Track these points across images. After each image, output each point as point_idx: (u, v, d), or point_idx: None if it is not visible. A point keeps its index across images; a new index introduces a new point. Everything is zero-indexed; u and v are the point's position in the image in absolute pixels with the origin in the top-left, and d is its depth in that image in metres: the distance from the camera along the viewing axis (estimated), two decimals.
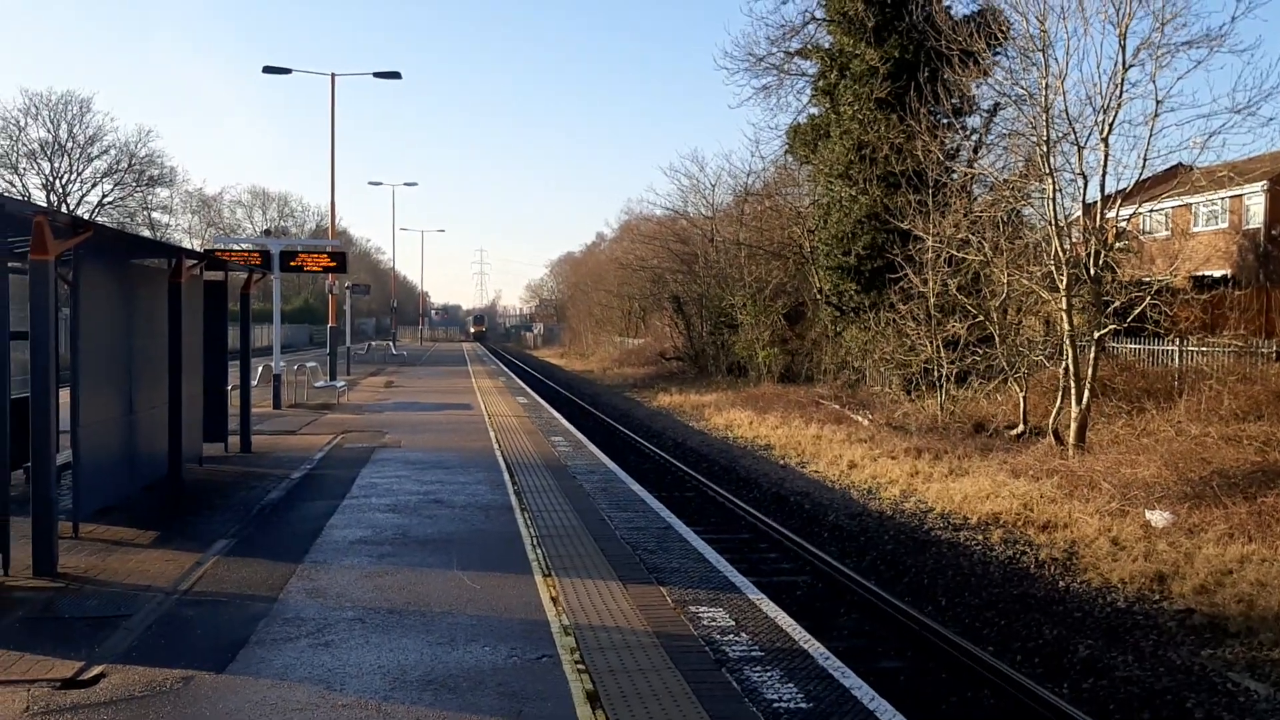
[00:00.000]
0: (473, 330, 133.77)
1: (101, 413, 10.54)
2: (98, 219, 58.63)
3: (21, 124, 66.80)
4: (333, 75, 34.47)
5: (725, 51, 74.87)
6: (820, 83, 31.58)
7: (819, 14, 31.57)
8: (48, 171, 68.01)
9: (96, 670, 6.52)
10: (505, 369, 49.45)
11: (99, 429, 10.42)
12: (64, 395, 9.85)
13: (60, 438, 10.69)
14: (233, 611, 7.88)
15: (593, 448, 18.22)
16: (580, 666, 6.63)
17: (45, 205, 49.76)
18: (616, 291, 67.40)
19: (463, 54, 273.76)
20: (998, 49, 22.98)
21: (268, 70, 32.36)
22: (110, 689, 6.21)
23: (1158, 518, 12.95)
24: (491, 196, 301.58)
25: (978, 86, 24.98)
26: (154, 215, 74.55)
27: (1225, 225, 35.09)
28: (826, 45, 31.46)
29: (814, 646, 7.14)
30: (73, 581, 8.67)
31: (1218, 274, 31.69)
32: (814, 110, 32.81)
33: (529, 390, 33.58)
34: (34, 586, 8.49)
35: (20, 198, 54.83)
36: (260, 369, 27.64)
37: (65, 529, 9.84)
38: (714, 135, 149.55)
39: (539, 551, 9.86)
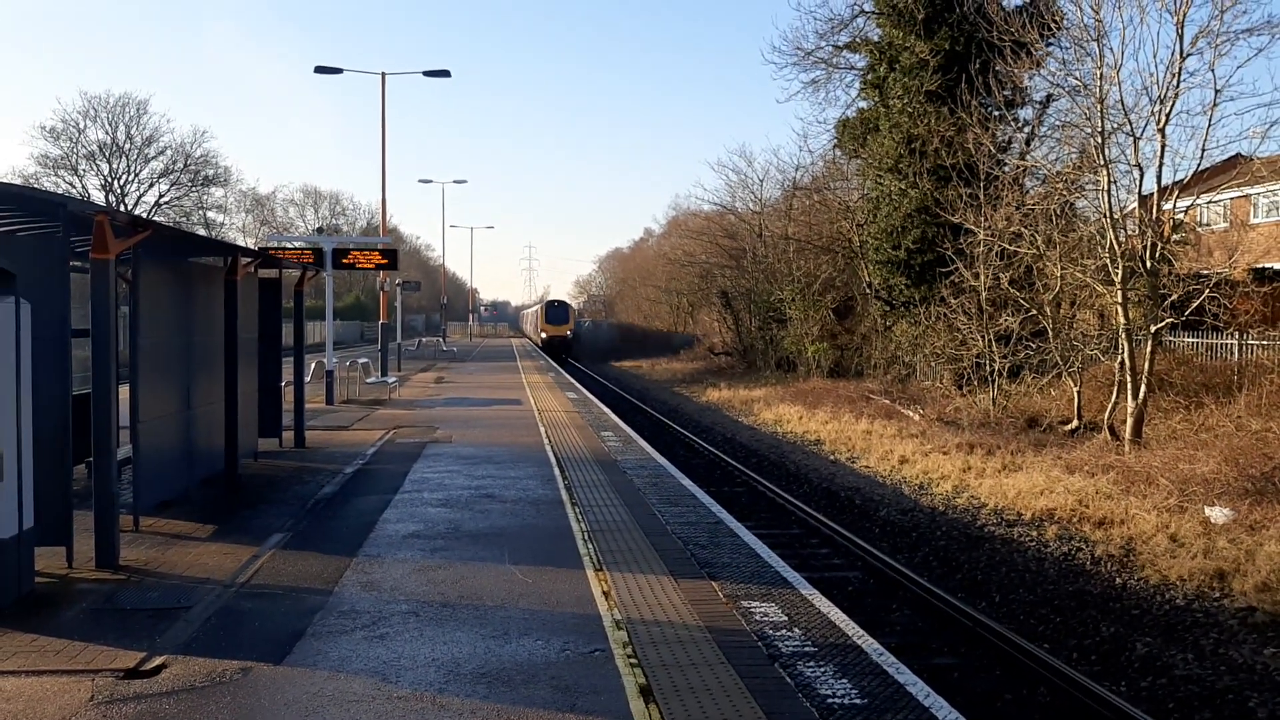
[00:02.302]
0: (545, 334, 70.94)
1: (160, 408, 10.73)
2: (155, 218, 59.59)
3: (81, 126, 68.25)
4: (383, 74, 34.77)
5: (773, 46, 74.93)
6: (869, 76, 31.36)
7: (868, 7, 31.36)
8: (106, 172, 69.42)
9: (158, 661, 6.64)
10: (554, 365, 49.62)
11: (158, 424, 10.60)
12: (124, 391, 10.03)
13: (120, 433, 10.92)
14: (289, 604, 7.98)
15: (642, 443, 18.24)
16: (633, 660, 6.65)
17: (105, 206, 50.67)
18: (665, 287, 67.45)
19: (510, 53, 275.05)
20: (1051, 39, 22.65)
21: (319, 70, 32.72)
22: (172, 679, 6.32)
23: (1217, 514, 12.72)
24: (540, 193, 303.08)
25: (1030, 78, 24.63)
26: (209, 214, 75.75)
27: None
28: (875, 38, 31.21)
29: (867, 642, 7.10)
30: (134, 574, 8.83)
31: (1279, 266, 31.03)
32: (863, 104, 32.59)
33: (578, 385, 33.67)
34: (97, 579, 8.66)
35: (81, 198, 55.93)
36: (313, 365, 27.94)
37: (126, 523, 10.01)
38: (762, 130, 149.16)
39: (590, 546, 9.89)
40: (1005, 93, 24.23)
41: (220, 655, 6.74)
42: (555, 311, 73.60)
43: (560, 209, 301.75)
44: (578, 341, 74.86)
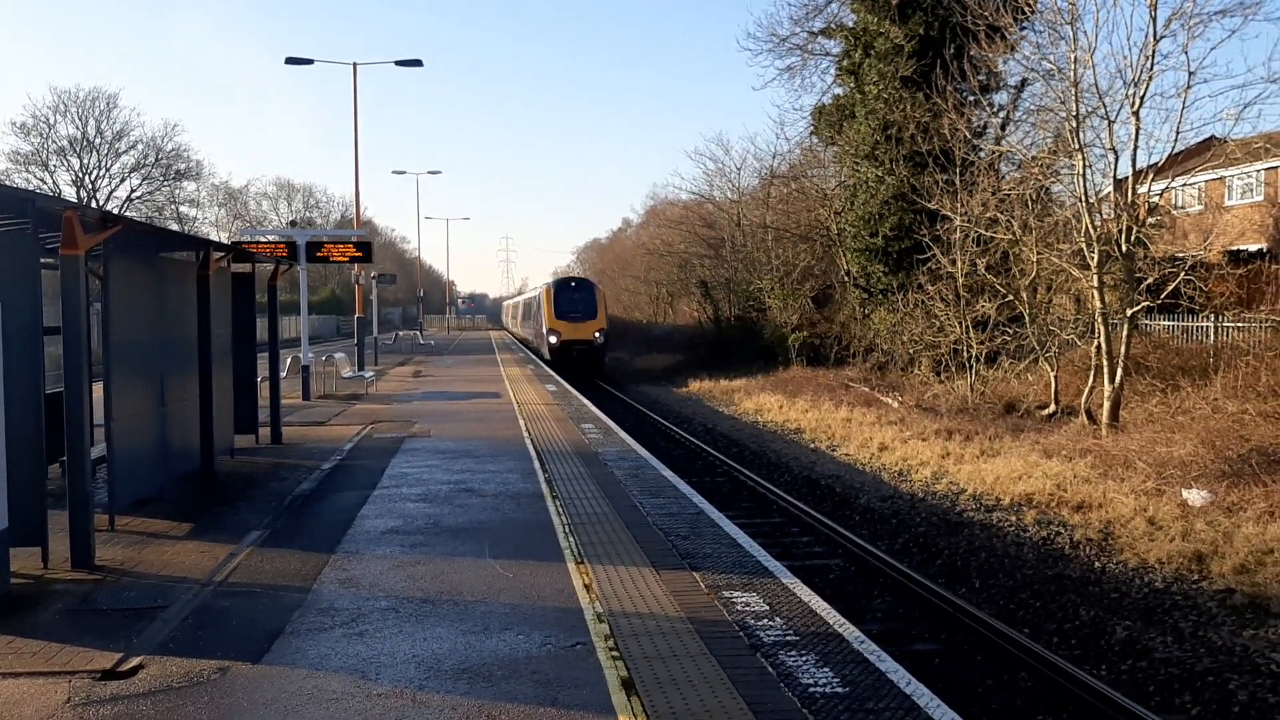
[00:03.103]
0: (558, 336, 43.18)
1: (134, 406, 10.60)
2: (126, 214, 59.04)
3: (51, 121, 67.60)
4: (354, 65, 34.51)
5: (748, 33, 74.28)
6: (844, 62, 31.38)
7: None
8: (77, 168, 68.80)
9: (135, 661, 6.56)
10: (533, 357, 49.52)
11: (132, 422, 10.48)
12: (97, 389, 9.92)
13: (95, 431, 10.80)
14: (267, 602, 7.91)
15: (622, 434, 18.20)
16: (615, 653, 6.62)
17: (75, 201, 50.17)
18: (643, 277, 67.32)
19: (484, 41, 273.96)
20: (1025, 23, 22.70)
21: (290, 61, 32.47)
22: (149, 680, 6.25)
23: (1195, 497, 12.80)
24: (516, 184, 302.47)
25: (1005, 62, 24.76)
26: (181, 209, 75.27)
27: (1261, 198, 34.54)
28: (850, 24, 31.24)
29: (848, 630, 7.10)
30: (110, 574, 8.73)
31: (1254, 248, 31.23)
32: (839, 90, 32.64)
33: (557, 377, 33.60)
34: (72, 579, 8.57)
35: (51, 194, 55.41)
36: (289, 360, 27.78)
37: (101, 522, 9.91)
38: (738, 118, 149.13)
39: (571, 539, 9.85)
40: (980, 77, 24.24)
41: (197, 655, 6.67)
42: (573, 297, 44.48)
43: (537, 200, 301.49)
44: (606, 349, 45.03)
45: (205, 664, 6.50)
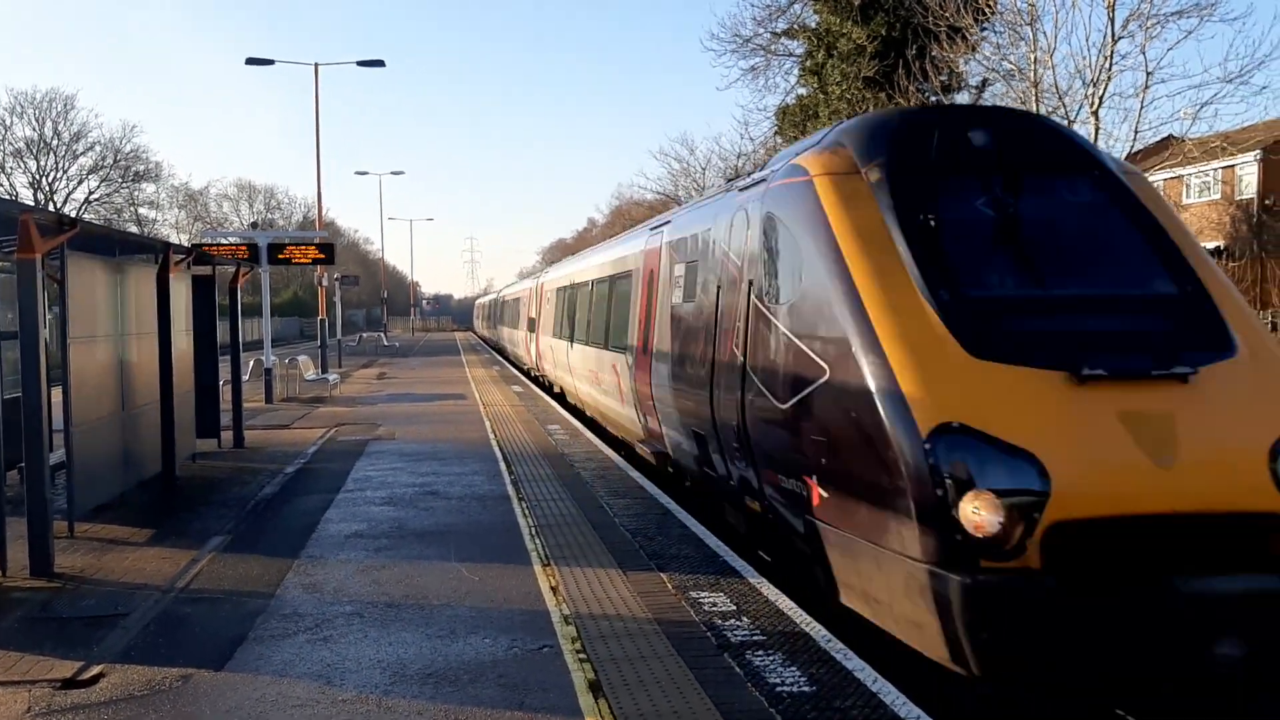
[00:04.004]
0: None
1: (94, 411, 10.47)
2: (85, 216, 58.27)
3: (8, 123, 66.72)
4: (316, 65, 34.31)
5: (711, 33, 74.51)
6: (808, 63, 31.52)
7: None
8: (34, 170, 67.92)
9: (96, 670, 6.47)
10: (499, 358, 49.37)
11: (92, 427, 10.35)
12: (56, 394, 9.78)
13: (54, 437, 10.65)
14: (230, 608, 7.83)
15: (589, 435, 18.17)
16: (582, 656, 6.60)
17: (32, 204, 49.59)
18: None
19: (447, 40, 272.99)
20: (985, 24, 22.94)
21: (251, 62, 32.23)
22: (110, 688, 6.17)
23: None
24: (481, 185, 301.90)
25: (966, 63, 24.93)
26: (141, 211, 74.44)
27: (1218, 196, 35.10)
28: (813, 25, 31.39)
29: (815, 629, 7.12)
30: (70, 581, 8.61)
31: (1211, 245, 31.73)
32: (802, 91, 32.77)
33: (523, 379, 33.52)
34: (32, 587, 8.44)
35: (8, 197, 54.70)
36: (251, 363, 27.53)
37: (61, 528, 9.78)
38: (703, 118, 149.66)
39: (537, 541, 9.82)
40: (941, 78, 24.48)
41: (159, 663, 6.59)
42: None
43: (503, 201, 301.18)
44: None
45: (167, 672, 6.42)
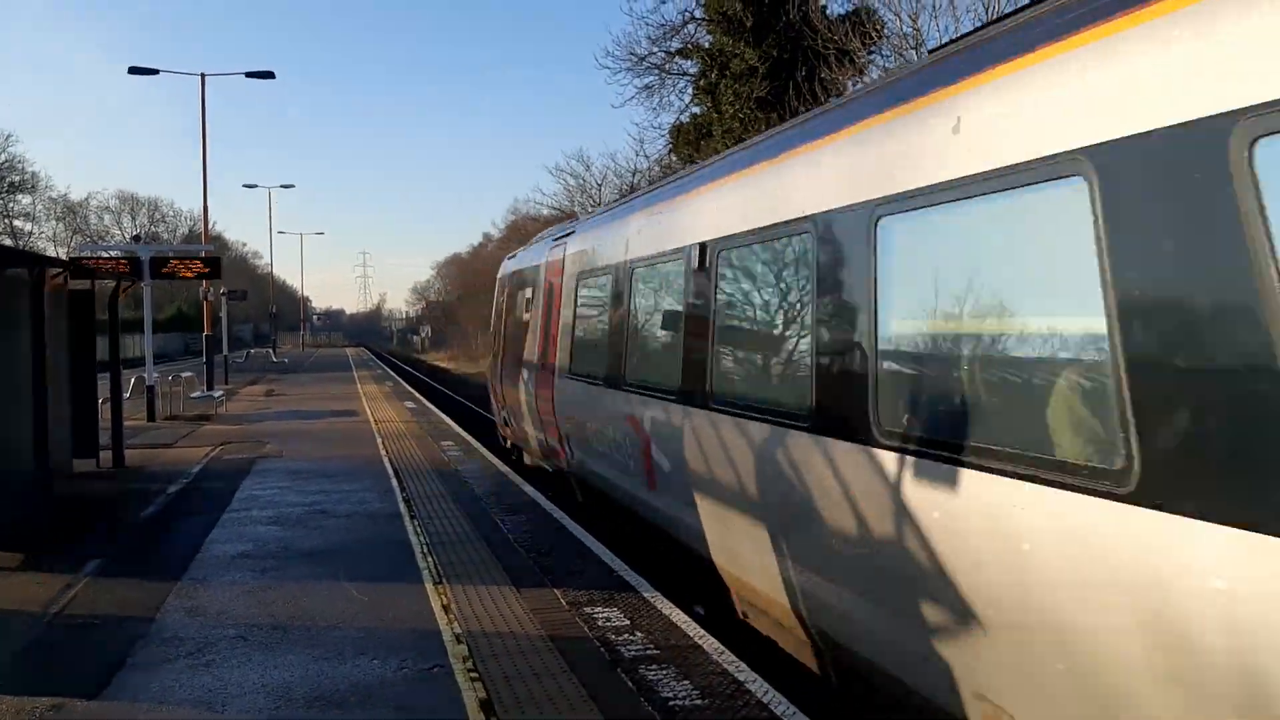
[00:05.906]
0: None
1: None
2: None
3: None
4: (202, 75, 33.67)
5: (607, 51, 74.64)
6: (702, 82, 31.88)
7: (698, 14, 31.88)
8: None
9: None
10: (392, 374, 48.67)
11: None
12: None
13: None
14: (107, 634, 7.54)
15: (484, 451, 18.03)
16: (474, 675, 6.52)
17: None
18: None
19: (337, 56, 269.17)
20: (873, 48, 23.49)
21: (134, 71, 31.39)
22: None
23: None
24: (374, 199, 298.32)
25: (854, 84, 25.45)
26: (15, 223, 71.63)
27: None
28: (706, 45, 31.76)
29: (708, 642, 7.16)
30: None
31: None
32: (696, 110, 33.09)
33: (417, 395, 33.10)
34: None
35: None
36: (133, 380, 26.64)
37: None
38: (599, 135, 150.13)
39: (430, 559, 9.69)
40: (832, 99, 24.96)
41: (29, 693, 6.30)
42: None
43: (396, 215, 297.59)
44: None
45: (37, 702, 6.15)
